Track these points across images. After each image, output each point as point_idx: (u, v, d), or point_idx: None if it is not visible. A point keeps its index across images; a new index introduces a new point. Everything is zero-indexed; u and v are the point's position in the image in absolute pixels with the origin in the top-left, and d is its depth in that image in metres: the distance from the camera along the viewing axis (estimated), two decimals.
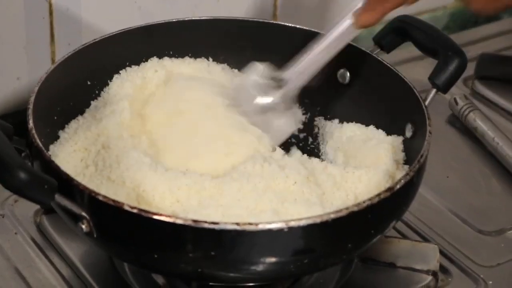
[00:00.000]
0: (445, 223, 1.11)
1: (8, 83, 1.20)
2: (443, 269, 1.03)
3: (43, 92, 0.97)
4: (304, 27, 1.12)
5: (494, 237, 1.10)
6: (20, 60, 1.20)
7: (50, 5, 1.18)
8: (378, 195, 0.86)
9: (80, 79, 1.06)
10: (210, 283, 0.94)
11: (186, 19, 1.12)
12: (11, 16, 1.17)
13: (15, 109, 1.21)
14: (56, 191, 0.82)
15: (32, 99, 0.95)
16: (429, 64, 1.04)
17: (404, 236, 1.07)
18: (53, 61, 1.21)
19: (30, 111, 0.93)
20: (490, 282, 1.03)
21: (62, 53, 1.06)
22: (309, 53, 1.02)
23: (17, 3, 1.16)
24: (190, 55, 1.13)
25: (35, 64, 1.21)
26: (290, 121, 1.05)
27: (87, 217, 0.85)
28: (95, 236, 0.86)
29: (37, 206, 1.07)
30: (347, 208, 0.84)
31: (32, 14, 1.18)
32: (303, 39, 1.09)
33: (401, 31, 1.08)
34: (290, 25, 1.13)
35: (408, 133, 1.03)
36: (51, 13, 1.19)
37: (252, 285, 0.96)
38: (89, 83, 1.07)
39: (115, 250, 0.92)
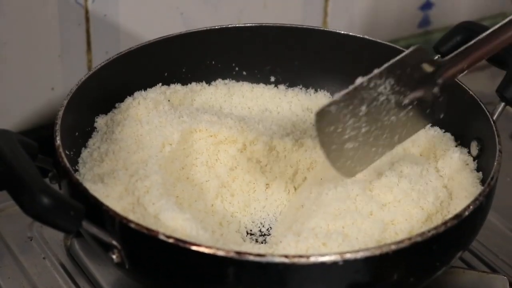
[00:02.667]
0: None
1: (42, 93, 1.18)
2: None
3: (73, 106, 0.94)
4: (357, 34, 1.10)
5: None
6: (55, 70, 1.17)
7: (86, 11, 1.16)
8: (445, 223, 0.82)
9: (114, 92, 1.03)
10: None
11: (230, 26, 1.10)
12: (45, 22, 1.14)
13: (50, 121, 1.18)
14: (83, 218, 0.79)
15: (61, 113, 0.92)
16: (492, 74, 1.03)
17: (470, 266, 1.03)
18: (90, 70, 1.19)
19: (57, 127, 0.90)
20: None
21: (100, 61, 1.05)
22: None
23: (51, 8, 1.13)
24: (233, 65, 1.10)
25: (70, 73, 1.18)
26: None
27: (118, 246, 0.81)
28: (126, 267, 0.82)
29: None
30: (409, 239, 0.80)
31: (67, 20, 1.15)
32: (356, 47, 1.09)
33: (464, 38, 1.03)
34: (341, 32, 1.10)
35: (474, 152, 0.99)
36: (87, 20, 1.17)
37: None
38: (128, 97, 1.04)
39: (149, 283, 0.89)
